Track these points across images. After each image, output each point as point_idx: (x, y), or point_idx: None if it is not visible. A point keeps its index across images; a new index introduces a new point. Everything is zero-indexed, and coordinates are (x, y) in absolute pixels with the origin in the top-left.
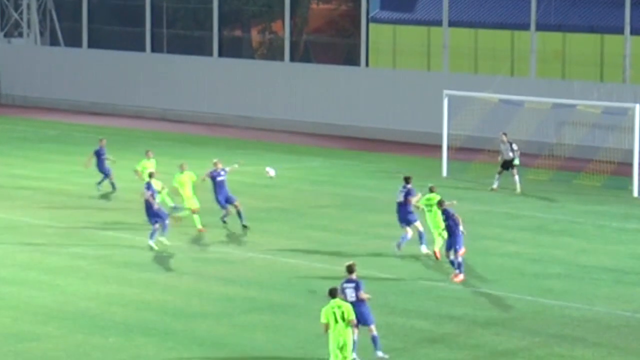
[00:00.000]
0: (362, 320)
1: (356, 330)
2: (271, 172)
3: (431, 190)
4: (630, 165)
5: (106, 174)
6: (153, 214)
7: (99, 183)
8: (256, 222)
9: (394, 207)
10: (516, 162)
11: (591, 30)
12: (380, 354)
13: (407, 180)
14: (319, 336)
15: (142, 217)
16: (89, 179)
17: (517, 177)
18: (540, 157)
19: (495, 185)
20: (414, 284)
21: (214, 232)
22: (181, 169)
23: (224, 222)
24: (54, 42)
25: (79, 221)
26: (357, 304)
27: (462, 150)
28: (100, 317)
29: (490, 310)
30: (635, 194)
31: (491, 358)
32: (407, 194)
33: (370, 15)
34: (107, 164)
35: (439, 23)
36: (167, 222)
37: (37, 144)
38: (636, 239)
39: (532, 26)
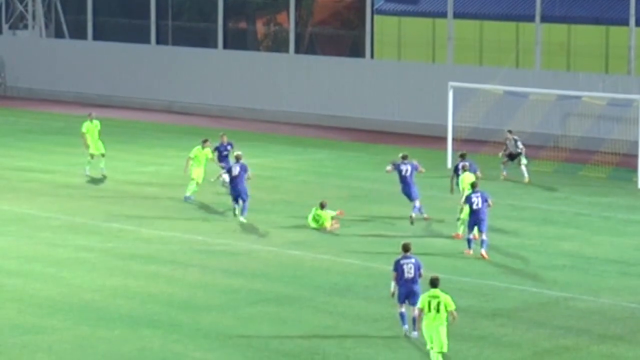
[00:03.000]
0: (412, 299)
1: (415, 310)
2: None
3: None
4: (636, 156)
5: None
6: (239, 192)
7: (220, 181)
8: (262, 214)
9: (398, 200)
10: (524, 161)
11: (596, 21)
12: (415, 334)
13: (404, 157)
14: (325, 328)
15: (148, 209)
16: (94, 171)
17: (524, 167)
18: (545, 149)
19: (505, 173)
20: None
21: (219, 225)
22: (203, 144)
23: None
24: (59, 34)
25: (84, 213)
26: (413, 282)
27: (467, 142)
28: (105, 309)
29: (495, 302)
30: None
31: (496, 350)
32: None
33: (375, 7)
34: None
35: (443, 15)
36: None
37: (42, 136)
38: None
39: (537, 18)
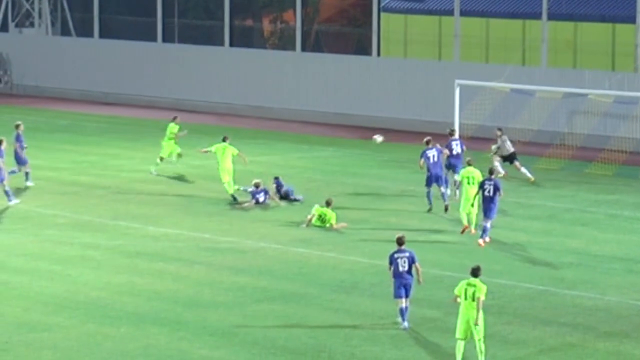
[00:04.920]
0: (407, 292)
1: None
2: (379, 138)
3: (469, 164)
4: None
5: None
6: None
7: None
8: (268, 211)
9: (404, 197)
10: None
11: (602, 19)
12: (405, 324)
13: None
14: (331, 326)
15: (154, 207)
16: (100, 170)
17: (524, 168)
18: (552, 147)
19: (503, 172)
20: (425, 274)
21: (225, 222)
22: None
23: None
24: (65, 32)
25: (91, 211)
26: (406, 275)
27: (474, 140)
28: (111, 307)
29: (501, 300)
30: None
31: (502, 347)
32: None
33: (382, 4)
34: None
35: (450, 12)
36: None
37: (48, 134)
38: None
39: (544, 15)
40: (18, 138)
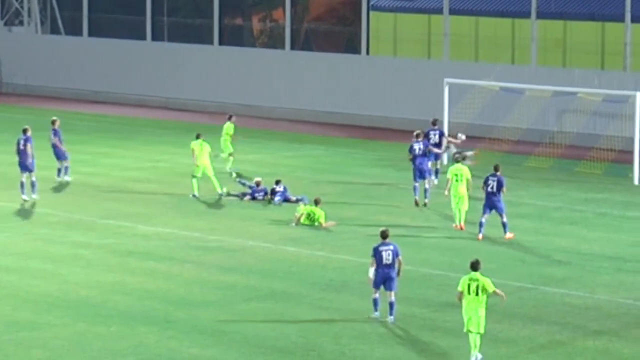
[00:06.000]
0: (388, 285)
1: (377, 291)
2: (462, 136)
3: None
4: (631, 153)
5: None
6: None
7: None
8: (257, 210)
9: (394, 196)
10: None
11: (592, 18)
12: (392, 318)
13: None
14: (321, 324)
15: (145, 206)
16: (91, 167)
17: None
18: (541, 145)
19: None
20: (415, 273)
21: (215, 221)
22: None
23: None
24: (54, 30)
25: (82, 210)
26: (390, 268)
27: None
28: (102, 305)
29: (491, 298)
30: (636, 181)
31: (492, 346)
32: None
33: (371, 3)
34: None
35: (439, 11)
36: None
37: (38, 133)
38: (637, 227)
39: (533, 14)
40: (56, 133)
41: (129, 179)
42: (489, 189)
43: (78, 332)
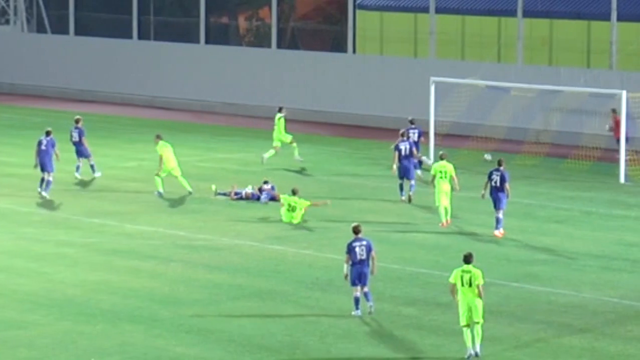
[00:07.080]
0: (362, 279)
1: (359, 289)
2: (489, 157)
3: (442, 158)
4: (617, 151)
5: None
6: None
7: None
8: (242, 209)
9: (381, 194)
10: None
11: (578, 16)
12: (370, 304)
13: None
14: (307, 323)
15: (130, 204)
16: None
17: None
18: (527, 143)
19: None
20: (401, 271)
21: (201, 220)
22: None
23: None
24: (40, 29)
25: (66, 208)
26: (364, 264)
27: (449, 137)
28: (87, 304)
29: None
30: (622, 180)
31: None
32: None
33: (358, 2)
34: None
35: (426, 9)
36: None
37: (23, 131)
38: (623, 226)
39: (519, 12)
40: (80, 132)
41: (113, 178)
42: (493, 184)
43: (63, 331)
